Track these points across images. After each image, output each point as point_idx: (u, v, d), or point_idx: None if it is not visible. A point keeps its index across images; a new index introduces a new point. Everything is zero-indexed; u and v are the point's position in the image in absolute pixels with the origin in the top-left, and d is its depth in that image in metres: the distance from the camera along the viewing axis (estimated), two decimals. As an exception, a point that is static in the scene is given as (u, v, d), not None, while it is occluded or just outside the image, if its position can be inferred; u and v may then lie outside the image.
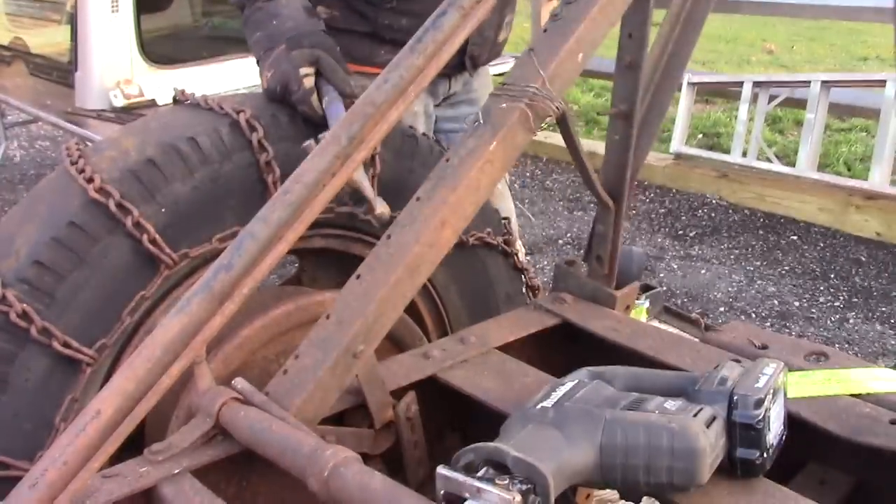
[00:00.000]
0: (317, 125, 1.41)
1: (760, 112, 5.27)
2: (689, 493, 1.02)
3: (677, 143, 5.44)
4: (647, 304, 1.68)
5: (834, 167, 5.50)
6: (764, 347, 1.38)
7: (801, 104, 5.10)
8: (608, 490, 1.08)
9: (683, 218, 4.95)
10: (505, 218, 1.77)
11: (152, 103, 4.11)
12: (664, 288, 4.02)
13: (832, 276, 4.21)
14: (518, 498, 0.88)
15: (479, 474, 0.92)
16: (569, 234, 4.75)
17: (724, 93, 5.97)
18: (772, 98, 5.25)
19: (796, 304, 3.95)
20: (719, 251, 4.51)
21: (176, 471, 1.03)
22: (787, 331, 3.69)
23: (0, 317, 1.21)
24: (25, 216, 1.29)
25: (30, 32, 4.87)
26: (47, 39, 4.71)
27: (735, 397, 1.04)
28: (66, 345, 1.24)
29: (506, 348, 1.41)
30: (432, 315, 1.65)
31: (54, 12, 4.69)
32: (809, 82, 4.94)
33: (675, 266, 4.36)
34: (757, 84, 5.29)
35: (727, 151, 5.35)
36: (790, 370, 1.19)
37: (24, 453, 1.21)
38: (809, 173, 4.88)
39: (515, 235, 2.20)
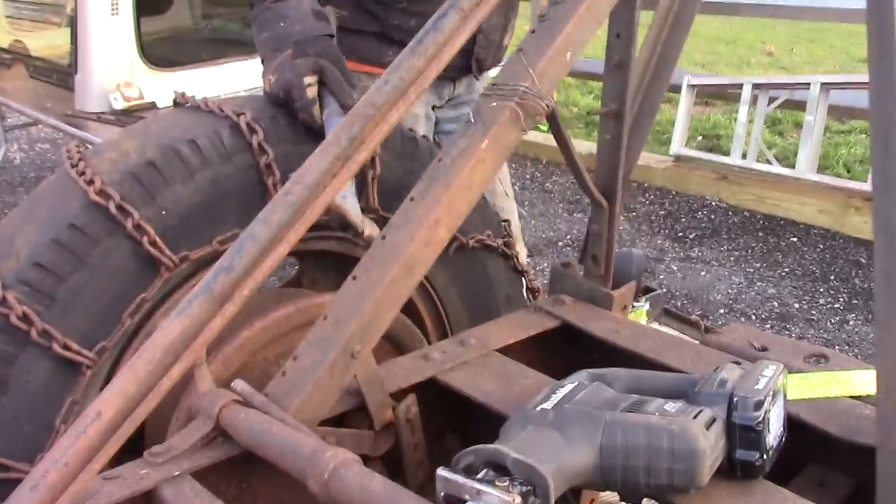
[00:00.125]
0: (316, 133, 1.41)
1: (760, 114, 5.27)
2: (688, 494, 1.02)
3: (677, 145, 5.44)
4: (646, 306, 1.68)
5: (833, 169, 5.50)
6: (764, 349, 1.38)
7: (800, 106, 5.10)
8: (608, 492, 1.08)
9: (683, 220, 4.96)
10: (505, 220, 1.77)
11: (152, 106, 4.11)
12: (664, 290, 4.02)
13: (832, 277, 4.21)
14: (518, 499, 0.88)
15: (480, 476, 0.92)
16: (568, 237, 4.75)
17: (724, 95, 5.97)
18: (771, 100, 5.26)
19: (796, 305, 3.95)
20: (719, 253, 4.51)
21: (176, 473, 1.03)
22: (787, 333, 3.69)
23: (0, 319, 1.21)
24: (26, 218, 1.29)
25: (30, 35, 4.87)
26: (47, 42, 4.71)
27: (735, 399, 1.04)
28: (66, 347, 1.24)
29: (506, 350, 1.41)
30: (432, 317, 1.66)
31: (54, 15, 4.69)
32: (809, 84, 4.95)
33: (675, 268, 4.36)
34: (756, 86, 5.29)
35: (727, 153, 5.35)
36: (790, 372, 1.20)
37: (25, 455, 1.21)
38: (809, 175, 4.88)
39: (518, 237, 2.20)
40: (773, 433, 1.06)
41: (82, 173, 1.28)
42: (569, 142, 1.40)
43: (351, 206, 1.41)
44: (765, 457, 1.04)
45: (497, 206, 2.20)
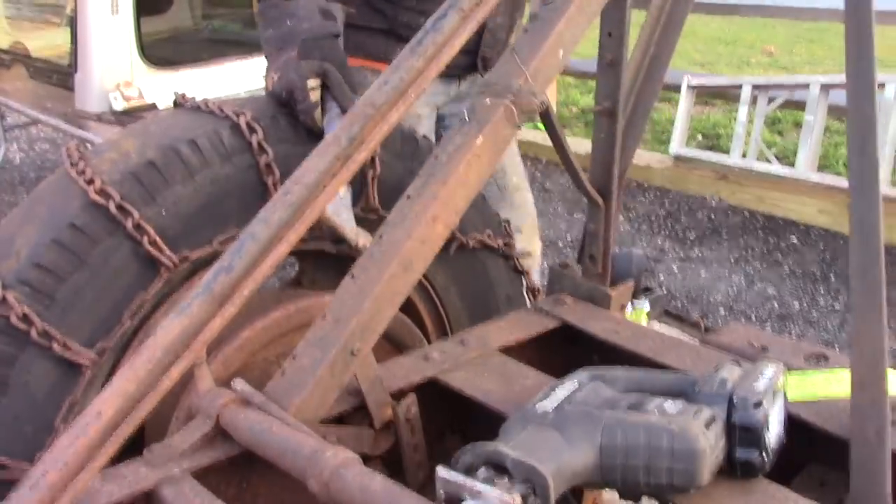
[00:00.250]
0: (317, 136, 1.41)
1: (760, 114, 5.27)
2: (688, 494, 1.02)
3: (677, 145, 5.44)
4: (647, 306, 1.68)
5: (833, 169, 5.50)
6: (764, 349, 1.38)
7: (800, 106, 5.10)
8: (608, 492, 1.08)
9: (683, 220, 4.96)
10: (506, 220, 1.77)
11: (152, 106, 4.11)
12: (664, 290, 4.03)
13: (832, 277, 4.21)
14: (518, 499, 0.88)
15: (479, 475, 0.92)
16: (568, 236, 4.75)
17: (724, 95, 5.97)
18: (771, 100, 5.25)
19: (796, 305, 3.95)
20: (719, 253, 4.51)
21: (176, 472, 1.03)
22: (787, 333, 3.69)
23: (0, 319, 1.21)
24: (26, 218, 1.29)
25: (30, 35, 4.88)
26: (47, 42, 4.72)
27: (735, 399, 1.04)
28: (66, 347, 1.24)
29: (506, 350, 1.41)
30: (432, 317, 1.66)
31: (54, 15, 4.69)
32: (809, 84, 4.94)
33: (675, 268, 4.36)
34: (756, 86, 5.29)
35: (727, 153, 5.35)
36: (790, 372, 1.20)
37: (25, 455, 1.21)
38: (809, 175, 4.88)
39: (534, 228, 2.22)
40: (773, 433, 1.06)
41: (82, 173, 1.28)
42: (564, 140, 1.41)
43: (345, 219, 1.41)
44: (765, 456, 1.04)
45: (511, 199, 2.21)
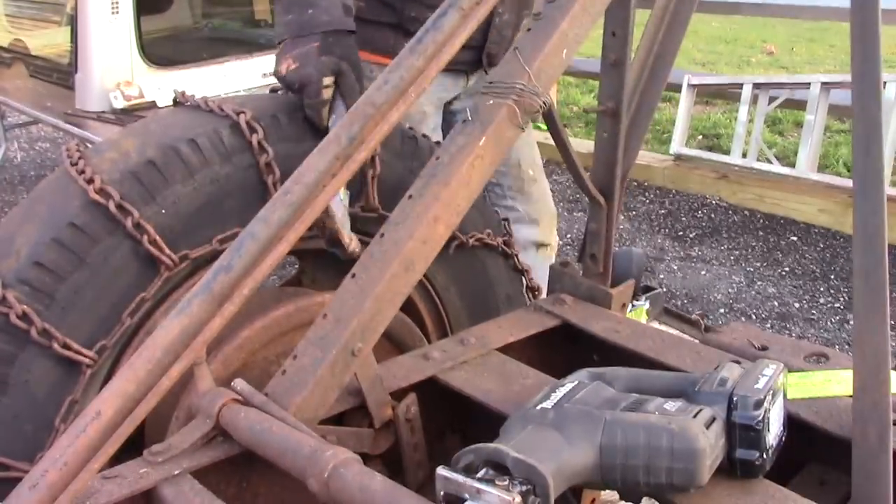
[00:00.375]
0: (318, 131, 1.41)
1: (760, 113, 5.27)
2: (688, 493, 1.02)
3: (677, 145, 5.44)
4: (647, 305, 1.68)
5: (834, 168, 5.50)
6: (764, 348, 1.38)
7: (800, 105, 5.10)
8: (608, 492, 1.08)
9: (683, 219, 4.95)
10: (504, 219, 1.77)
11: (152, 105, 4.11)
12: (664, 289, 4.02)
13: (832, 277, 4.21)
14: (518, 499, 0.88)
15: (479, 475, 0.92)
16: (569, 236, 4.75)
17: (724, 94, 5.97)
18: (772, 99, 5.25)
19: (796, 305, 3.95)
20: (719, 252, 4.51)
21: (176, 472, 1.03)
22: (787, 332, 3.69)
23: (0, 318, 1.21)
24: (26, 217, 1.29)
25: (30, 34, 4.87)
26: (47, 41, 4.71)
27: (735, 398, 1.04)
28: (66, 346, 1.24)
29: (506, 349, 1.41)
30: (432, 316, 1.66)
31: (54, 14, 4.69)
32: (809, 84, 4.94)
33: (675, 267, 4.36)
34: (757, 85, 5.29)
35: (727, 153, 5.35)
36: (790, 371, 1.19)
37: (24, 454, 1.21)
38: (809, 174, 4.88)
39: (553, 218, 2.22)
40: (773, 432, 1.06)
41: (82, 172, 1.28)
42: (566, 140, 1.41)
43: (342, 223, 1.41)
44: (765, 456, 1.04)
45: (528, 192, 2.22)
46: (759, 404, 1.03)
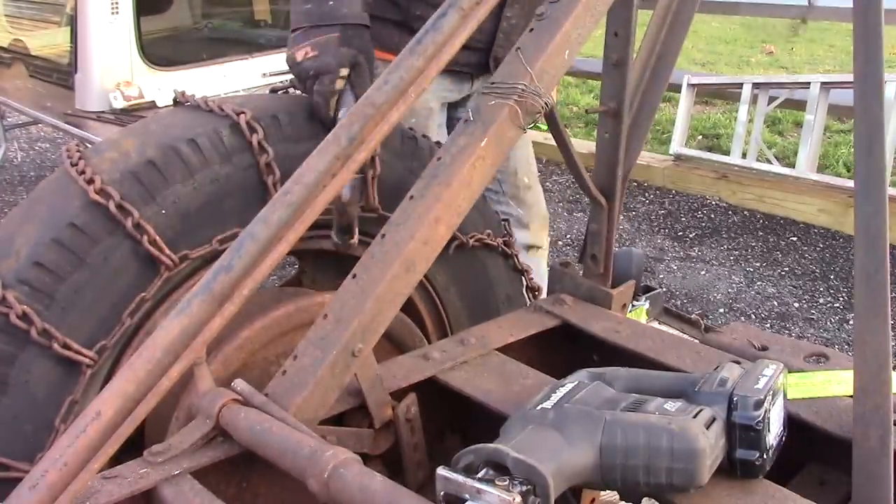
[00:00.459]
0: (319, 131, 1.41)
1: (760, 113, 5.27)
2: (688, 494, 1.02)
3: (677, 145, 5.44)
4: (646, 305, 1.68)
5: (833, 168, 5.50)
6: (764, 349, 1.38)
7: (800, 105, 5.10)
8: (608, 492, 1.08)
9: (683, 219, 4.95)
10: (504, 220, 1.77)
11: (152, 105, 4.11)
12: (664, 289, 4.02)
13: (832, 277, 4.21)
14: (518, 499, 0.88)
15: (479, 475, 0.92)
16: (568, 236, 4.75)
17: (724, 94, 5.97)
18: (771, 99, 5.25)
19: (796, 305, 3.95)
20: (719, 252, 4.51)
21: (176, 472, 1.03)
22: (787, 332, 3.69)
23: (0, 318, 1.21)
24: (26, 217, 1.29)
25: (30, 34, 4.87)
26: (47, 41, 4.71)
27: (735, 398, 1.04)
28: (66, 346, 1.24)
29: (506, 349, 1.41)
30: (432, 316, 1.66)
31: (54, 14, 4.69)
32: (809, 84, 4.94)
33: (675, 267, 4.36)
34: (756, 85, 5.29)
35: (727, 153, 5.35)
36: (790, 371, 1.19)
37: (24, 455, 1.21)
38: (809, 174, 4.88)
39: (545, 220, 2.23)
40: (773, 432, 1.06)
41: (82, 172, 1.28)
42: (567, 140, 1.41)
43: (353, 210, 1.42)
44: (765, 456, 1.04)
45: (522, 198, 2.24)
46: (759, 404, 1.03)
